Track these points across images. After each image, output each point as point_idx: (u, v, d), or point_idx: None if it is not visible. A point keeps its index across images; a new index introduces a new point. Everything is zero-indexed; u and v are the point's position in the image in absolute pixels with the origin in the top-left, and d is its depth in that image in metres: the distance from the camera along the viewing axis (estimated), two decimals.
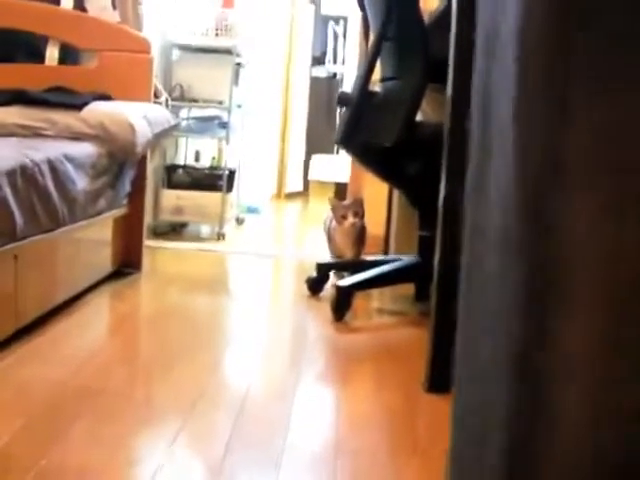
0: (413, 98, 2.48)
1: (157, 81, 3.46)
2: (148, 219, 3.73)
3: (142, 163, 3.03)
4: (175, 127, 3.29)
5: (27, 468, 1.37)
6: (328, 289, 2.89)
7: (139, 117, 2.79)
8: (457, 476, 0.70)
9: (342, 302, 2.59)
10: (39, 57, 3.13)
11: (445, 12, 2.55)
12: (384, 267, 2.81)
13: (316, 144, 7.08)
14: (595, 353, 0.59)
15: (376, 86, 2.83)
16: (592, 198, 0.59)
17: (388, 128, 2.49)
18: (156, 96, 3.34)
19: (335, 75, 7.35)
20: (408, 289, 3.00)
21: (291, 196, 6.90)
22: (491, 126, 0.67)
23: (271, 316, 2.72)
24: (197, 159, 4.74)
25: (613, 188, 0.58)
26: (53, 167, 2.24)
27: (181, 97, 4.18)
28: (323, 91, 7.31)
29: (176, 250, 3.77)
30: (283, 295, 3.17)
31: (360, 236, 3.19)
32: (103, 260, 2.87)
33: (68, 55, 3.17)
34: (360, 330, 2.53)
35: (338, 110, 5.56)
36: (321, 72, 7.40)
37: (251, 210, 5.28)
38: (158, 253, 3.65)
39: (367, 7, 2.77)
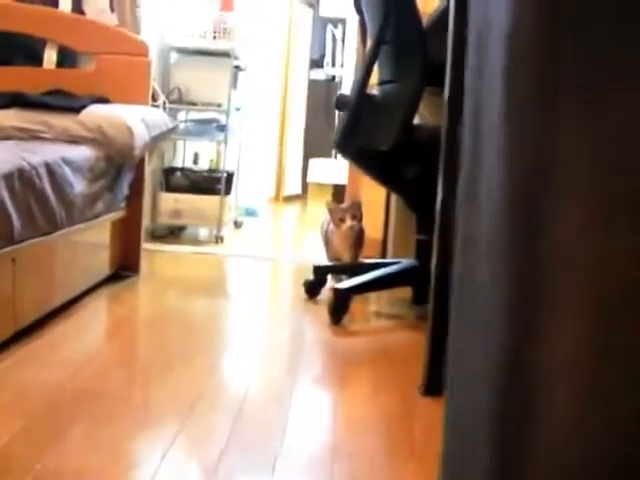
0: (410, 102, 2.48)
1: (155, 84, 3.46)
2: (146, 222, 3.73)
3: (140, 166, 3.03)
4: (173, 130, 3.30)
5: (25, 470, 1.37)
6: (326, 292, 2.89)
7: (137, 120, 2.80)
8: (449, 478, 0.71)
9: (340, 305, 2.59)
10: (37, 60, 3.14)
11: (443, 15, 2.56)
12: (382, 270, 2.81)
13: (314, 147, 7.08)
14: (583, 359, 0.60)
15: (374, 89, 2.83)
16: (581, 202, 0.59)
17: (385, 132, 2.50)
18: (154, 99, 3.34)
19: (334, 78, 7.35)
20: (406, 292, 3.00)
21: (289, 199, 6.90)
22: (482, 132, 0.67)
23: (269, 319, 2.72)
24: (195, 162, 4.75)
25: (602, 192, 0.59)
26: (51, 170, 2.24)
27: (179, 100, 4.18)
28: (321, 94, 7.31)
29: (174, 253, 3.77)
30: (281, 298, 3.17)
31: (358, 239, 3.19)
32: (101, 263, 2.87)
33: (66, 58, 3.18)
34: (357, 333, 2.53)
35: (337, 113, 5.56)
36: (319, 75, 7.40)
37: (249, 213, 5.28)
38: (156, 256, 3.65)
39: (364, 11, 2.77)
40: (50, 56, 3.14)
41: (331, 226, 3.20)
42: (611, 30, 0.58)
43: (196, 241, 4.24)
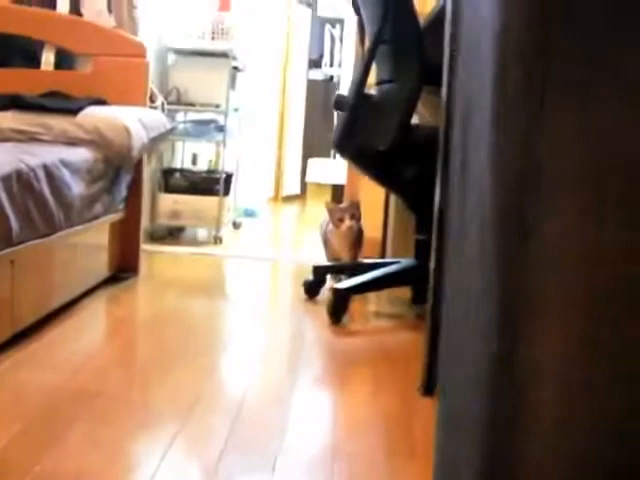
0: (408, 101, 2.48)
1: (153, 85, 3.46)
2: (145, 223, 3.73)
3: (138, 167, 3.03)
4: (171, 131, 3.30)
5: (24, 473, 1.37)
6: (325, 292, 2.89)
7: (135, 122, 2.80)
8: (441, 475, 0.71)
9: (339, 305, 2.59)
10: (35, 62, 3.14)
11: (440, 15, 2.56)
12: (381, 270, 2.81)
13: (313, 146, 7.09)
14: (574, 356, 0.60)
15: (372, 89, 2.83)
16: (571, 201, 0.59)
17: (384, 132, 2.50)
18: (152, 100, 3.34)
19: (332, 78, 7.36)
20: (405, 292, 3.00)
21: (288, 199, 6.90)
22: (472, 132, 0.67)
23: (268, 320, 2.72)
24: (194, 163, 4.75)
25: (592, 190, 0.59)
26: (49, 172, 2.24)
27: (177, 101, 4.18)
28: (320, 94, 7.31)
29: (173, 254, 3.77)
30: (280, 298, 3.17)
31: (357, 239, 3.19)
32: (100, 265, 2.87)
33: (64, 60, 3.18)
34: (357, 333, 2.53)
35: (335, 112, 5.56)
36: (318, 75, 7.40)
37: (248, 213, 5.28)
38: (155, 257, 3.65)
39: (362, 11, 2.77)
40: (48, 58, 3.14)
41: (330, 226, 3.20)
42: (599, 30, 0.58)
43: (195, 242, 4.24)
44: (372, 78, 2.72)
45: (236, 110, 4.51)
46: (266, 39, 6.03)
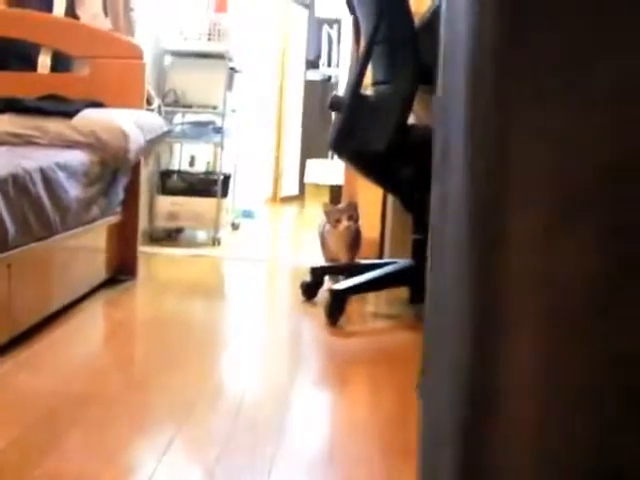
0: (404, 102, 2.48)
1: (150, 87, 3.46)
2: (143, 225, 3.73)
3: (136, 170, 3.03)
4: (168, 133, 3.30)
5: (24, 476, 1.37)
6: (323, 293, 2.89)
7: (131, 124, 2.79)
8: (425, 475, 0.71)
9: (336, 306, 2.59)
10: (31, 65, 3.13)
11: (435, 14, 2.56)
12: (379, 271, 2.81)
13: (311, 147, 7.09)
14: (542, 368, 0.60)
15: (368, 90, 2.83)
16: (537, 213, 0.59)
17: (380, 132, 2.50)
18: (149, 102, 3.34)
19: (330, 78, 7.35)
20: (403, 292, 3.00)
21: (287, 200, 6.90)
22: (449, 140, 0.67)
23: (266, 321, 2.72)
24: (192, 164, 4.75)
25: (559, 202, 0.59)
26: (45, 175, 2.24)
27: (175, 103, 4.18)
28: (318, 94, 7.31)
29: (171, 256, 3.77)
30: (278, 300, 3.17)
31: (355, 240, 3.19)
32: (97, 267, 2.87)
33: (60, 62, 3.18)
34: (355, 334, 2.53)
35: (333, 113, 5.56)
36: (316, 75, 7.40)
37: (246, 215, 5.27)
38: (153, 259, 3.65)
39: (357, 11, 2.77)
40: (44, 61, 3.14)
41: (327, 227, 3.20)
42: (567, 38, 0.58)
43: (193, 243, 4.24)
44: (368, 79, 2.72)
45: (234, 111, 4.51)
46: (263, 40, 6.03)
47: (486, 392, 0.61)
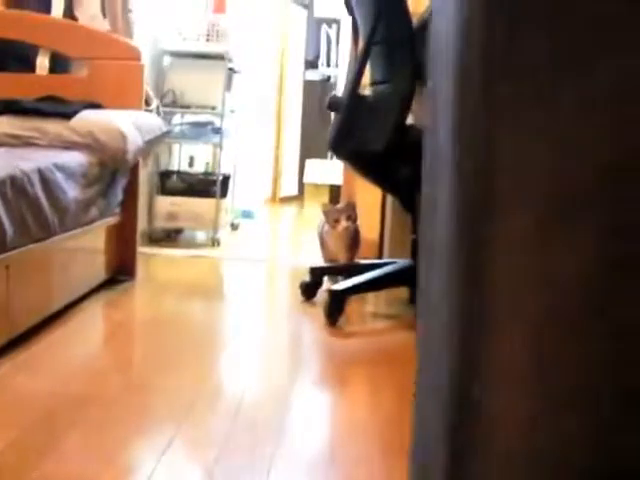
0: (402, 102, 2.48)
1: (148, 88, 3.46)
2: (142, 226, 3.73)
3: (134, 170, 3.03)
4: (167, 134, 3.30)
5: (22, 478, 1.37)
6: (322, 293, 2.89)
7: (129, 125, 2.79)
8: (416, 476, 0.71)
9: (335, 306, 2.58)
10: (30, 66, 3.13)
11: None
12: (378, 271, 2.81)
13: (310, 147, 7.09)
14: (532, 370, 0.60)
15: (366, 90, 2.83)
16: (527, 213, 0.59)
17: (378, 132, 2.50)
18: (147, 103, 3.34)
19: (329, 78, 7.35)
20: (402, 292, 3.00)
21: (286, 200, 6.90)
22: (439, 141, 0.67)
23: (265, 321, 2.72)
24: (191, 165, 4.74)
25: (550, 203, 0.59)
26: (43, 177, 2.24)
27: (173, 103, 4.18)
28: (317, 94, 7.31)
29: (171, 257, 3.77)
30: (278, 300, 3.17)
31: (354, 240, 3.19)
32: (96, 268, 2.87)
33: (58, 64, 3.17)
34: (355, 334, 2.53)
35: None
36: (315, 75, 7.40)
37: (246, 215, 5.27)
38: (153, 260, 3.65)
39: (356, 11, 2.77)
40: (42, 62, 3.14)
41: (326, 227, 3.20)
42: (556, 41, 0.58)
43: (193, 244, 4.24)
44: (366, 79, 2.72)
45: (232, 112, 4.51)
46: (262, 40, 6.03)
47: (472, 393, 0.61)
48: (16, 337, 2.13)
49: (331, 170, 6.25)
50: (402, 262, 2.87)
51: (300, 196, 6.97)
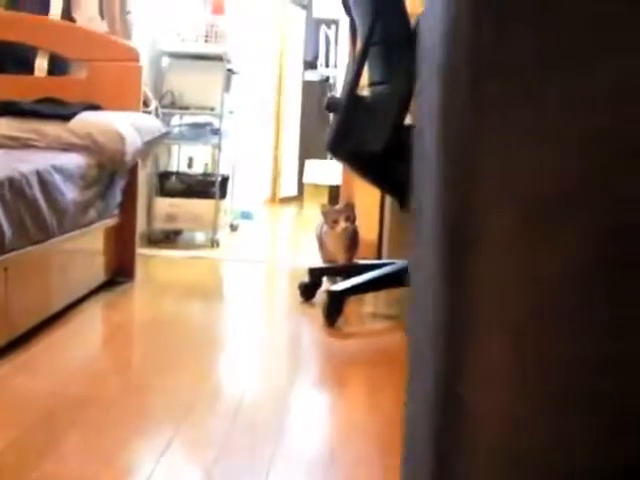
0: (401, 102, 2.48)
1: (147, 89, 3.46)
2: (142, 227, 3.73)
3: (133, 172, 3.03)
4: (165, 135, 3.30)
5: (21, 478, 1.38)
6: (321, 294, 2.89)
7: (128, 126, 2.80)
8: (406, 475, 0.72)
9: (334, 307, 2.59)
10: (28, 68, 3.14)
11: None
12: (377, 271, 2.81)
13: (310, 148, 7.09)
14: (511, 364, 0.60)
15: (364, 90, 2.83)
16: (513, 213, 0.59)
17: (377, 133, 2.50)
18: (146, 104, 3.34)
19: (328, 79, 7.36)
20: (401, 293, 3.00)
21: (285, 200, 6.90)
22: (425, 142, 0.67)
23: (264, 322, 2.72)
24: (190, 166, 4.75)
25: (537, 203, 0.59)
26: (41, 179, 2.24)
27: (172, 104, 4.18)
28: (316, 95, 7.32)
29: (170, 258, 3.77)
30: (277, 301, 3.17)
31: (352, 240, 3.19)
32: (95, 270, 2.87)
33: (57, 65, 3.18)
34: (353, 335, 2.53)
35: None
36: (314, 76, 7.40)
37: (245, 216, 5.27)
38: (152, 261, 3.65)
39: (353, 11, 2.77)
40: (41, 64, 3.14)
41: (325, 228, 3.20)
42: (544, 40, 0.58)
43: (192, 245, 4.24)
44: (365, 79, 2.72)
45: (231, 113, 4.51)
46: (261, 41, 6.03)
47: (457, 394, 0.62)
48: (15, 338, 2.14)
49: (330, 170, 6.25)
50: (401, 263, 2.88)
51: (300, 197, 6.97)
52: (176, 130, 4.30)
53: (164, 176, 4.29)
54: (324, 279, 3.03)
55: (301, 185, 6.93)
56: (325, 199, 6.26)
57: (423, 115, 0.68)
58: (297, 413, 1.78)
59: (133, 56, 3.09)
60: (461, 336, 0.61)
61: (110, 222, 2.92)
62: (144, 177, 3.83)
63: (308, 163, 6.72)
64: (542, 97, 0.58)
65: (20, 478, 1.38)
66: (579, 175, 0.58)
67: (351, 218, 3.14)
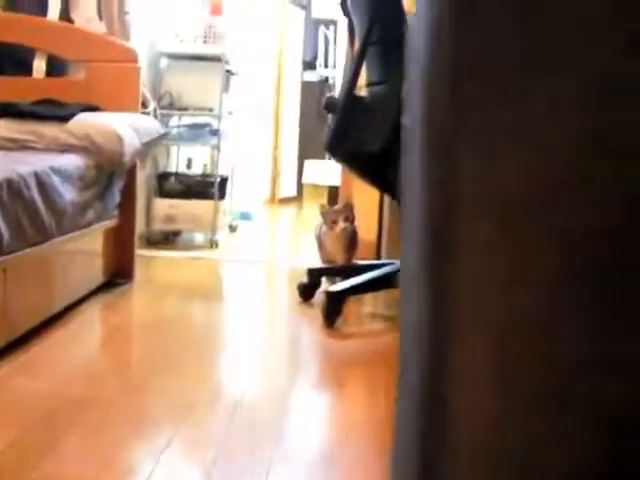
0: (399, 102, 2.48)
1: (145, 90, 3.46)
2: (140, 228, 3.73)
3: (132, 173, 3.03)
4: (164, 136, 3.30)
5: (21, 478, 1.38)
6: (320, 295, 2.89)
7: (126, 127, 2.80)
8: (395, 475, 0.72)
9: (333, 308, 2.58)
10: (26, 69, 3.13)
11: None
12: (376, 272, 2.81)
13: (309, 148, 7.09)
14: (493, 364, 0.60)
15: (362, 91, 2.83)
16: (488, 218, 0.59)
17: (375, 133, 2.50)
18: (144, 105, 3.34)
19: (327, 79, 7.36)
20: None
21: (285, 201, 6.90)
22: (413, 144, 0.68)
23: (264, 323, 2.72)
24: (189, 167, 4.75)
25: (518, 205, 0.59)
26: (40, 180, 2.24)
27: (171, 105, 4.18)
28: (315, 95, 7.32)
29: (169, 259, 3.77)
30: (276, 301, 3.17)
31: (351, 241, 3.19)
32: (94, 271, 2.87)
33: (55, 67, 3.18)
34: (353, 335, 2.53)
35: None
36: (313, 76, 7.40)
37: (244, 217, 5.28)
38: (151, 262, 3.65)
39: (352, 12, 2.77)
40: (39, 65, 3.14)
41: (324, 228, 3.20)
42: (525, 42, 0.58)
43: (191, 246, 4.24)
44: (363, 80, 2.72)
45: (230, 113, 4.51)
46: (260, 41, 6.03)
47: (441, 395, 0.62)
48: (15, 339, 2.13)
49: (330, 171, 6.26)
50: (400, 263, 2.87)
51: (299, 197, 6.97)
52: (175, 131, 4.30)
53: (163, 177, 4.29)
54: (323, 279, 3.03)
55: (300, 185, 6.93)
56: (324, 199, 6.26)
57: (411, 116, 0.69)
58: (296, 413, 1.78)
59: (131, 57, 3.09)
60: (444, 336, 0.61)
61: (109, 223, 2.92)
62: (143, 178, 3.83)
63: (307, 163, 6.72)
64: (522, 98, 0.59)
65: (20, 478, 1.38)
66: (561, 176, 0.58)
67: (350, 218, 3.14)
